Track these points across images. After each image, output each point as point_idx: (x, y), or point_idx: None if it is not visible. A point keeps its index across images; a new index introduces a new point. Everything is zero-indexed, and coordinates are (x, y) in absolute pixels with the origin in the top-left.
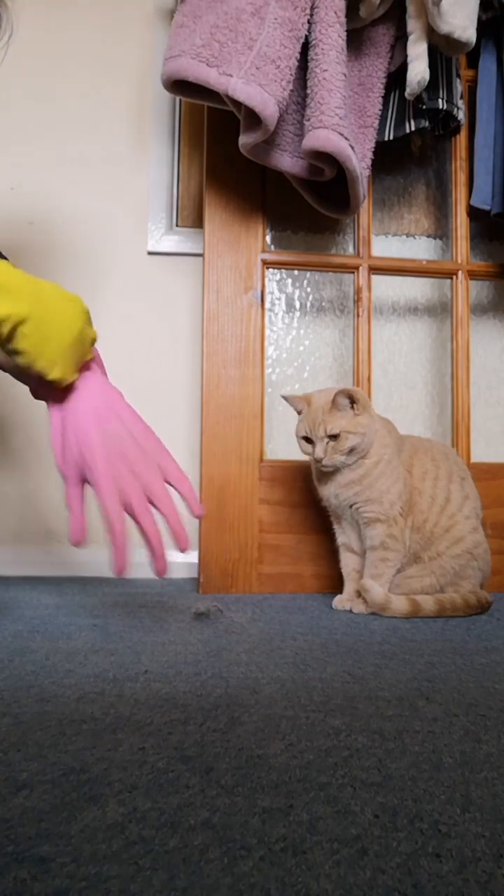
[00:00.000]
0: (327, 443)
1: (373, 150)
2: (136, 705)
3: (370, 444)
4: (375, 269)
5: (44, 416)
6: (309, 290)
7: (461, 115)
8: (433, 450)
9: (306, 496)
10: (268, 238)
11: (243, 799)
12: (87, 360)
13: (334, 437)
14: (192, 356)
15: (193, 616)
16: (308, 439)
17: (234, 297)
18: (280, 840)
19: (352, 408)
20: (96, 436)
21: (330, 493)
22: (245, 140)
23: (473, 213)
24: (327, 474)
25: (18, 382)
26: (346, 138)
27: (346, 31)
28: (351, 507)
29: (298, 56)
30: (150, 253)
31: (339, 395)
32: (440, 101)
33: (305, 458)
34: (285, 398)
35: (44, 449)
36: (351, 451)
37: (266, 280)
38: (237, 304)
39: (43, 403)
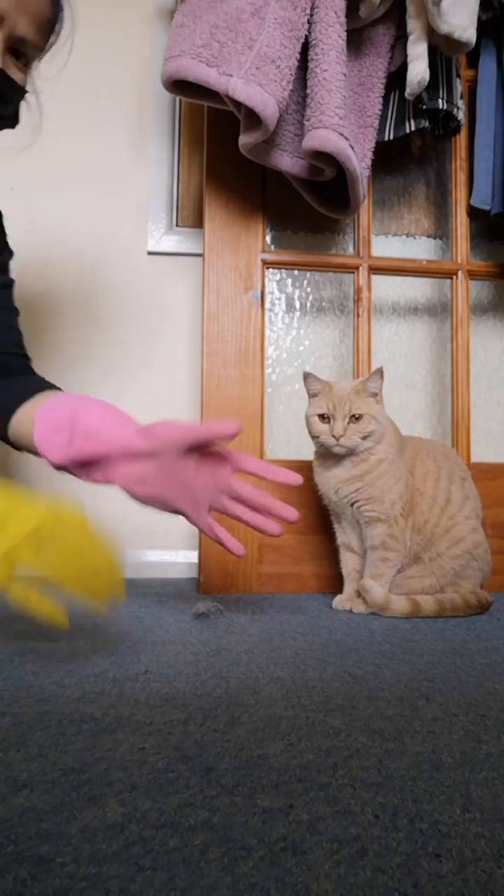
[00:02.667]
0: (349, 422)
1: (373, 150)
2: (136, 705)
3: (382, 437)
4: (375, 269)
5: None
6: (309, 290)
7: (461, 115)
8: (434, 451)
9: (306, 496)
10: (268, 238)
11: (243, 799)
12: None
13: (357, 418)
14: (192, 356)
15: (194, 616)
16: (324, 417)
17: (234, 297)
18: (280, 840)
19: (374, 395)
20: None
21: (330, 487)
22: (245, 140)
23: (473, 213)
24: (330, 466)
25: None
26: (346, 138)
27: (346, 31)
28: (352, 505)
29: (298, 56)
30: (150, 253)
31: (376, 374)
32: (440, 101)
33: (306, 457)
34: (307, 374)
35: None
36: (368, 436)
37: (266, 280)
38: (237, 304)
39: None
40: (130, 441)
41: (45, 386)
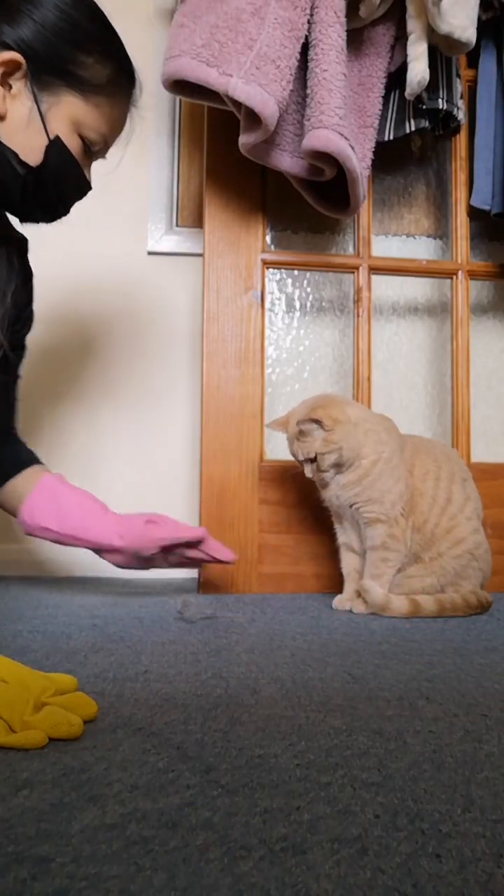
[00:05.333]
0: (311, 467)
1: (373, 150)
2: (136, 705)
3: (356, 450)
4: (375, 269)
5: (47, 416)
6: (309, 290)
7: (461, 115)
8: (435, 450)
9: (306, 496)
10: (268, 238)
11: (244, 799)
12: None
13: (312, 460)
14: (192, 356)
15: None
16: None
17: (234, 297)
18: (280, 840)
19: (322, 428)
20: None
21: (331, 494)
22: (245, 140)
23: (473, 213)
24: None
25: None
26: (346, 138)
27: (346, 31)
28: (351, 507)
29: (298, 56)
30: (150, 253)
31: (301, 424)
32: (440, 101)
33: None
34: (268, 426)
35: (47, 448)
36: (335, 465)
37: (266, 280)
38: (237, 304)
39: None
40: (109, 539)
41: (25, 462)
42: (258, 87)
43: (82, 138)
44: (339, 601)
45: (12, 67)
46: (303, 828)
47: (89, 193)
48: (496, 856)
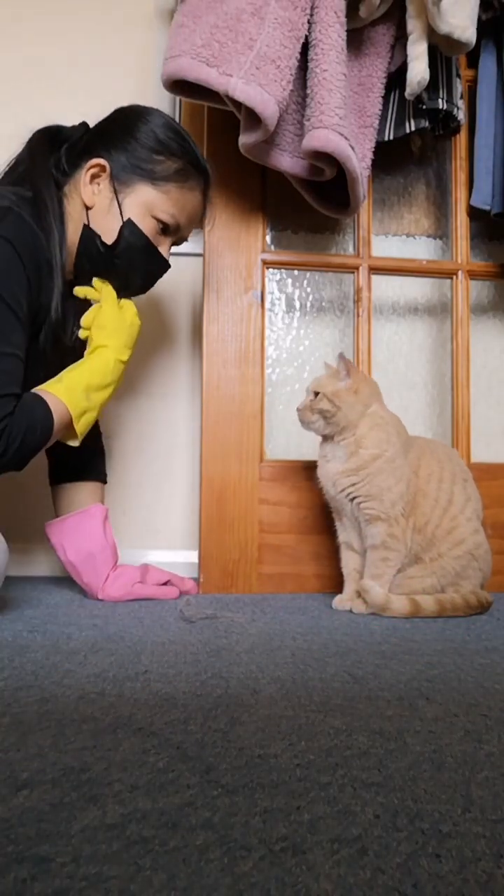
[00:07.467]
0: (310, 398)
1: (373, 150)
2: (136, 705)
3: (345, 420)
4: (375, 269)
5: None
6: (309, 290)
7: (461, 115)
8: (437, 452)
9: (306, 496)
10: (268, 238)
11: (244, 799)
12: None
13: (315, 394)
14: (192, 356)
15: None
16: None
17: (234, 298)
18: (280, 840)
19: (348, 376)
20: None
21: (329, 480)
22: (245, 140)
23: (473, 213)
24: (329, 459)
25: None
26: (346, 138)
27: (346, 31)
28: (352, 501)
29: (298, 56)
30: None
31: (342, 357)
32: (440, 101)
33: (306, 457)
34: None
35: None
36: (321, 413)
37: (266, 280)
38: (237, 305)
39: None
40: (94, 594)
41: (94, 472)
42: (258, 87)
43: (157, 220)
44: (339, 601)
45: (99, 170)
46: (303, 828)
47: None
48: (496, 856)
